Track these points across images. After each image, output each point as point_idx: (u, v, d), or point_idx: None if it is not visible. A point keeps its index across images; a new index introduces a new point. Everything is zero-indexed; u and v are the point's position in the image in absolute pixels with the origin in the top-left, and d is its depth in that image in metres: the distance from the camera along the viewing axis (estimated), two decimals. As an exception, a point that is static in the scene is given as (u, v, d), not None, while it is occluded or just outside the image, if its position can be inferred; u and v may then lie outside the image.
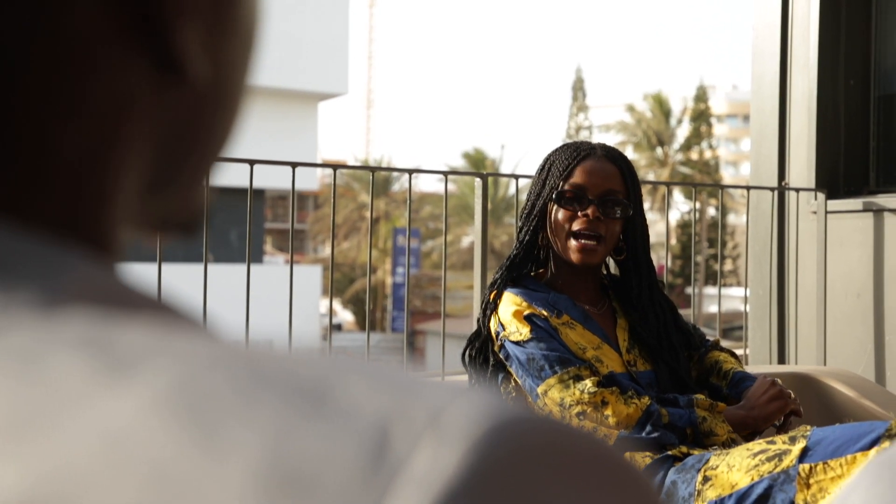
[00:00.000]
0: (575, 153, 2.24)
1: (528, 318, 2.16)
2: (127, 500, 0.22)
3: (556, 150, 2.31)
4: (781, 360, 3.75)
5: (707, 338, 2.47)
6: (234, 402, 0.24)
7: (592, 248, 2.20)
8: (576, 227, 2.20)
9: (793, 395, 2.21)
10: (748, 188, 3.84)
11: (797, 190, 3.75)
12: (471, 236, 31.78)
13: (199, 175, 0.37)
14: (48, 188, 0.31)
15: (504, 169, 36.01)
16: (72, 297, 0.27)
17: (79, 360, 0.25)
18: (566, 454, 0.24)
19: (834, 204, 3.70)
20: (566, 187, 2.22)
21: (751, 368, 2.91)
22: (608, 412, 2.04)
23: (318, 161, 24.90)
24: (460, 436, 0.23)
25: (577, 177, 2.21)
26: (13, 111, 0.31)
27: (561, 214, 2.22)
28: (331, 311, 3.45)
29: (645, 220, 2.33)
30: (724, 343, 2.48)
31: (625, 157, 2.29)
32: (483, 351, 2.24)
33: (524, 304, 2.19)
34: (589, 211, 2.19)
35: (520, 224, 2.30)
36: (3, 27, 0.30)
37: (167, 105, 0.34)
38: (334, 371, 0.25)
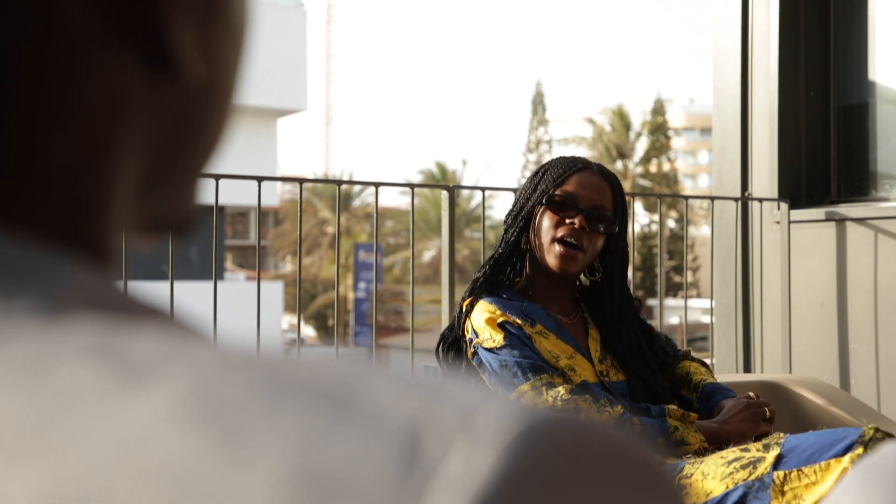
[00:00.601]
0: (572, 164, 2.29)
1: (502, 326, 2.17)
2: None
3: (553, 160, 2.35)
4: (747, 368, 3.78)
5: (678, 349, 2.48)
6: (256, 408, 0.23)
7: (573, 255, 2.21)
8: (560, 233, 2.22)
9: (769, 406, 2.22)
10: (712, 198, 3.87)
11: (760, 200, 3.79)
12: (432, 250, 31.82)
13: (193, 174, 0.37)
14: (42, 193, 0.31)
15: (467, 181, 36.11)
16: (73, 305, 0.26)
17: (90, 367, 0.24)
18: (599, 454, 0.24)
19: (797, 214, 3.74)
20: (557, 192, 2.24)
21: (721, 377, 2.92)
22: None
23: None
24: (493, 438, 0.22)
25: (570, 186, 2.25)
26: (4, 115, 0.30)
27: (547, 218, 2.24)
28: (299, 326, 3.42)
29: (626, 244, 2.36)
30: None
31: (617, 179, 2.34)
32: (455, 346, 2.25)
33: (498, 311, 2.19)
34: (576, 220, 2.21)
35: (506, 225, 2.32)
36: None
37: (160, 104, 0.33)
38: (357, 375, 0.24)
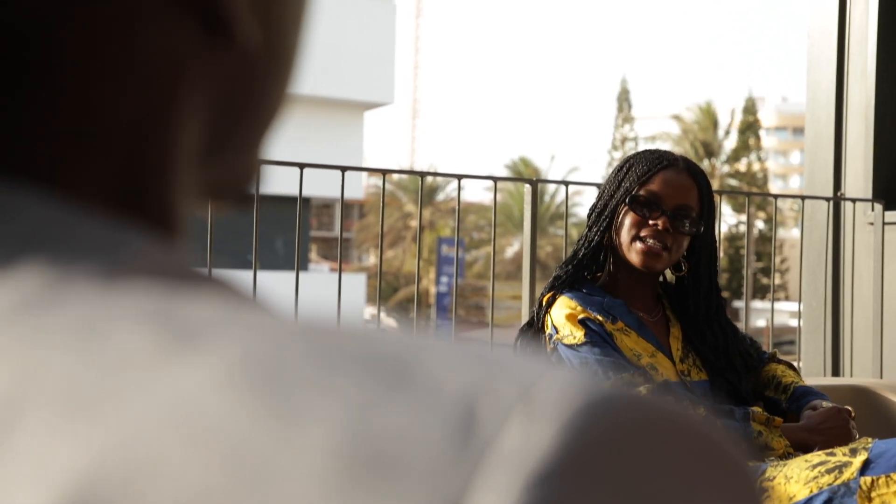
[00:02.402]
0: (657, 161, 2.23)
1: (583, 322, 2.14)
2: (199, 476, 0.21)
3: (638, 154, 2.29)
4: (836, 372, 3.68)
5: (764, 351, 2.42)
6: (310, 376, 0.22)
7: (657, 252, 2.17)
8: (644, 233, 2.18)
9: (853, 414, 2.16)
10: (803, 198, 3.78)
11: (853, 200, 3.68)
12: (514, 247, 31.75)
13: (253, 142, 0.36)
14: (101, 156, 0.30)
15: (552, 178, 35.93)
16: (130, 271, 0.26)
17: (144, 332, 0.23)
18: (665, 432, 0.22)
19: (891, 215, 3.62)
20: (641, 192, 2.20)
21: (809, 381, 2.85)
22: None
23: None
24: (553, 412, 0.21)
25: (655, 184, 2.19)
26: (54, 72, 0.29)
27: (630, 218, 2.19)
28: (379, 317, 3.44)
29: (714, 240, 2.30)
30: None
31: (704, 175, 2.27)
32: (535, 341, 2.23)
33: (579, 308, 2.16)
34: (659, 221, 2.16)
35: (589, 223, 2.28)
36: None
37: (219, 68, 0.33)
38: (415, 346, 0.23)
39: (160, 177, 0.32)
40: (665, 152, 2.28)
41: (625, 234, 2.20)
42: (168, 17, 0.31)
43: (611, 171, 2.31)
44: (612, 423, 0.22)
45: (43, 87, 0.30)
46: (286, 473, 0.21)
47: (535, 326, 2.23)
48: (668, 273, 2.35)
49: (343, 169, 2.96)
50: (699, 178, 2.24)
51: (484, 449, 0.21)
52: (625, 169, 2.25)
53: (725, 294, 2.37)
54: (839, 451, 1.90)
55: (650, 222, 2.17)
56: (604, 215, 2.23)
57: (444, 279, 27.70)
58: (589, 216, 2.29)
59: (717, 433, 0.23)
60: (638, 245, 2.18)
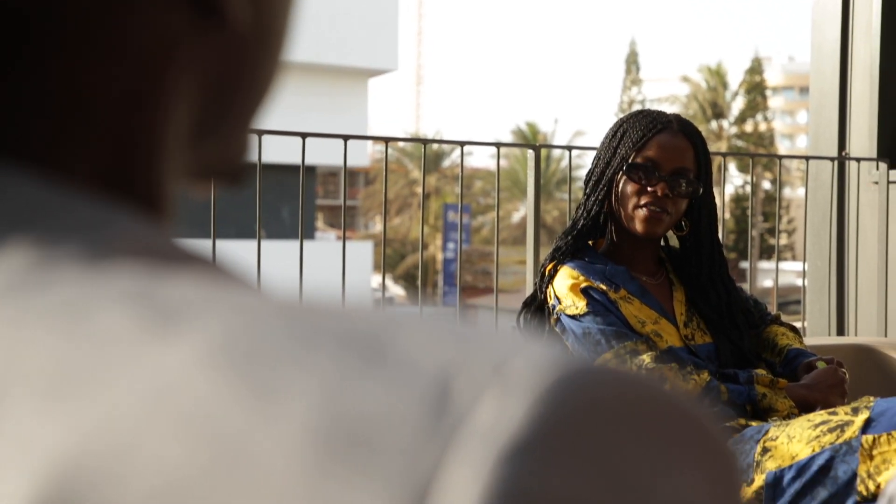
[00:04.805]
0: (651, 124, 2.20)
1: (585, 292, 2.14)
2: (179, 455, 0.22)
3: (631, 116, 2.26)
4: (840, 332, 3.69)
5: (768, 312, 2.43)
6: (288, 355, 0.23)
7: (658, 217, 2.17)
8: (643, 200, 2.17)
9: (844, 372, 2.18)
10: (807, 158, 3.77)
11: (858, 160, 3.67)
12: (521, 211, 31.67)
13: (245, 122, 0.36)
14: (90, 135, 0.31)
15: (557, 142, 35.79)
16: (115, 251, 0.26)
17: (126, 313, 0.24)
18: (639, 408, 0.22)
19: (896, 174, 3.62)
20: (638, 159, 2.18)
21: (809, 340, 2.86)
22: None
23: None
24: (526, 387, 0.21)
25: (651, 150, 2.18)
26: (44, 52, 0.30)
27: (630, 187, 2.18)
28: (384, 285, 3.45)
29: (713, 199, 2.28)
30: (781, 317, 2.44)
31: (699, 134, 2.25)
32: (538, 315, 2.23)
33: (581, 277, 2.16)
34: (658, 188, 2.16)
35: (586, 192, 2.27)
36: None
37: (209, 49, 0.33)
38: (392, 324, 0.24)
39: (150, 157, 0.32)
40: (658, 113, 2.25)
41: (626, 203, 2.19)
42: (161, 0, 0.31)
43: (604, 135, 2.29)
44: (586, 398, 0.22)
45: (36, 69, 0.30)
46: (265, 451, 0.21)
47: (538, 299, 2.23)
48: (672, 236, 2.36)
49: (345, 138, 2.96)
50: (694, 139, 2.22)
51: (457, 425, 0.21)
52: (619, 134, 2.22)
53: (732, 255, 2.37)
54: (841, 410, 1.91)
55: (648, 189, 2.17)
56: (601, 183, 2.22)
57: (451, 245, 27.70)
58: (586, 184, 2.28)
59: (696, 410, 0.23)
60: (639, 212, 2.17)
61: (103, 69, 0.30)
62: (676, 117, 2.25)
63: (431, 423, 0.21)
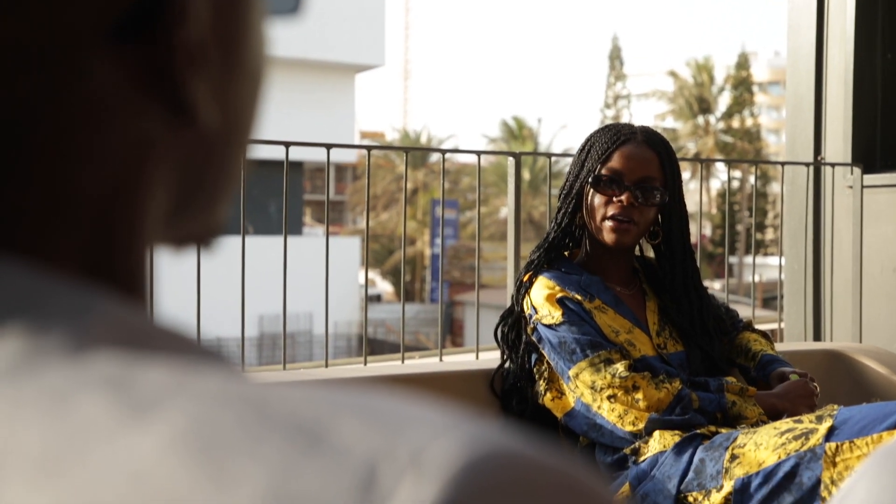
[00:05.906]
0: (615, 137, 2.25)
1: (561, 302, 2.19)
2: None
3: (597, 131, 2.31)
4: (817, 335, 3.74)
5: (740, 318, 2.48)
6: (243, 440, 0.27)
7: (625, 228, 2.21)
8: (610, 211, 2.22)
9: (815, 382, 2.24)
10: (783, 164, 3.82)
11: (833, 165, 3.72)
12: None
13: (215, 202, 0.41)
14: (72, 229, 0.35)
15: (543, 137, 35.83)
16: (97, 336, 0.30)
17: (103, 399, 0.28)
18: (537, 491, 0.26)
19: (870, 178, 3.67)
20: (603, 171, 2.23)
21: (786, 346, 2.92)
22: (639, 396, 2.08)
23: (356, 133, 24.90)
24: (438, 472, 0.25)
25: (615, 161, 2.23)
26: (31, 157, 0.34)
27: (597, 199, 2.24)
28: (367, 282, 3.49)
29: (683, 206, 2.32)
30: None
31: (665, 143, 2.29)
32: (515, 328, 2.28)
33: (557, 287, 2.21)
34: (623, 197, 2.20)
35: (558, 205, 2.32)
36: (25, 82, 0.33)
37: (182, 145, 0.37)
38: (332, 410, 0.28)
39: (129, 241, 0.36)
40: (623, 126, 2.30)
41: (593, 214, 2.24)
42: (136, 104, 0.35)
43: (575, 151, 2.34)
44: (488, 481, 0.26)
45: (24, 171, 0.34)
46: None
47: (516, 312, 2.28)
48: (646, 246, 2.40)
49: (328, 146, 2.99)
50: (659, 148, 2.26)
51: None
52: (586, 149, 2.28)
53: (718, 250, 2.41)
54: (806, 418, 1.96)
55: (614, 199, 2.22)
56: (570, 196, 2.28)
57: (439, 241, 27.67)
58: (559, 198, 2.33)
59: (596, 492, 0.27)
60: (606, 224, 2.23)
61: (86, 170, 0.35)
62: (641, 128, 2.30)
63: (358, 503, 0.25)
